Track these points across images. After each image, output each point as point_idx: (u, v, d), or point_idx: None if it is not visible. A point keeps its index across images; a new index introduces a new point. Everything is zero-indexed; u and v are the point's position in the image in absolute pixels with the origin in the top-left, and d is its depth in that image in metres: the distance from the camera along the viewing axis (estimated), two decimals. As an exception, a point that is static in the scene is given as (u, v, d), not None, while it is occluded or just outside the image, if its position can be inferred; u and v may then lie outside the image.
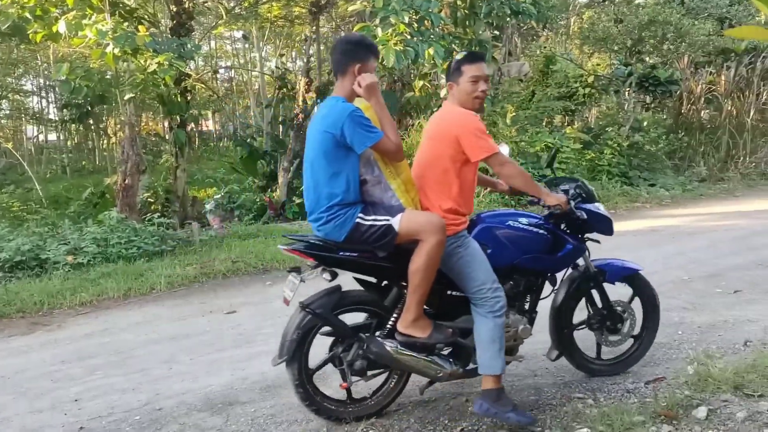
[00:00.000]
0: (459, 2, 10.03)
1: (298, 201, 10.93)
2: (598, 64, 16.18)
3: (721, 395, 3.11)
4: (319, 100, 12.73)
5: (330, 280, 3.13)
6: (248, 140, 14.30)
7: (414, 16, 8.12)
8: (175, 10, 11.46)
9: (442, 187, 3.13)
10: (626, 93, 13.50)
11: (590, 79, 13.58)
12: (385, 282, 3.24)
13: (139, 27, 9.25)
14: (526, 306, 3.37)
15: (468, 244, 3.09)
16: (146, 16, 11.92)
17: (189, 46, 9.98)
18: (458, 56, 3.28)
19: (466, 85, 3.20)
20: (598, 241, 3.49)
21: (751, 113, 14.00)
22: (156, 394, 3.86)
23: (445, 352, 3.21)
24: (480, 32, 10.46)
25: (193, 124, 14.72)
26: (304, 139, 11.60)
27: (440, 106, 9.89)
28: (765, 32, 1.35)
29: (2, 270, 6.69)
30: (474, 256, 3.06)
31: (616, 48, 14.20)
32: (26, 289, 6.25)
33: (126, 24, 10.04)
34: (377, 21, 8.14)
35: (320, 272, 3.12)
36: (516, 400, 3.20)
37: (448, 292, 3.19)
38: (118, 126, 17.66)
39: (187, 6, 11.87)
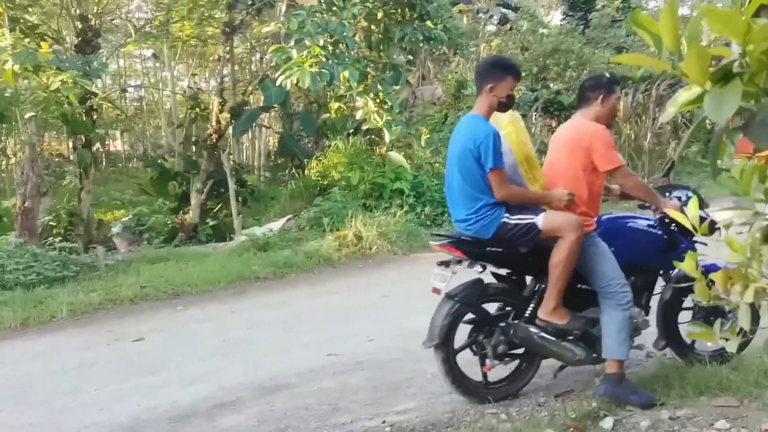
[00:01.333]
0: (373, 27, 10.21)
1: (211, 223, 10.71)
2: (506, 89, 16.79)
3: (626, 406, 3.27)
4: (233, 120, 12.58)
5: (480, 272, 3.52)
6: (159, 161, 13.90)
7: (329, 39, 8.20)
8: (80, 27, 11.06)
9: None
10: (533, 117, 14.11)
11: (499, 104, 14.08)
12: (516, 276, 3.68)
13: (42, 43, 8.87)
14: (643, 301, 3.72)
15: (598, 244, 3.42)
16: (50, 33, 11.44)
17: (95, 64, 9.66)
18: (609, 75, 3.66)
19: (614, 102, 3.62)
20: (705, 243, 3.72)
21: (648, 137, 14.93)
22: (58, 428, 3.67)
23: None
24: (394, 56, 10.68)
25: (99, 145, 14.15)
26: (218, 160, 11.50)
27: (357, 127, 10.04)
28: (649, 60, 1.47)
29: None
30: (603, 254, 3.40)
31: (522, 74, 14.84)
32: None
33: (27, 40, 9.60)
34: (292, 43, 8.17)
35: (469, 266, 3.49)
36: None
37: (578, 286, 3.51)
38: (18, 146, 16.70)
39: (93, 23, 11.48)
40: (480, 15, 19.65)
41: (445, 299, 3.54)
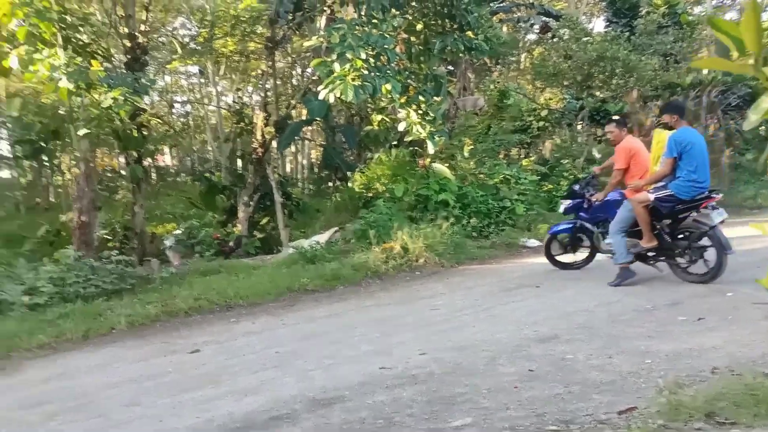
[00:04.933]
0: (413, 39, 10.25)
1: (259, 235, 10.87)
2: (550, 99, 16.66)
3: (694, 423, 3.15)
4: (277, 134, 12.76)
5: None
6: (206, 175, 14.19)
7: (370, 52, 8.27)
8: (129, 44, 11.39)
9: None
10: (579, 126, 13.91)
11: (543, 113, 13.98)
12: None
13: (93, 62, 9.17)
14: None
15: None
16: (100, 51, 11.82)
17: (144, 80, 9.92)
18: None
19: None
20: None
21: (701, 145, 14.52)
22: (119, 441, 3.76)
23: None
24: (435, 67, 10.68)
25: (149, 159, 14.55)
26: (263, 173, 11.69)
27: (400, 138, 10.64)
28: (730, 64, 1.44)
29: (-47, 314, 6.44)
30: None
31: (566, 83, 14.65)
32: (-22, 331, 6.02)
33: (79, 59, 9.93)
34: (334, 56, 8.25)
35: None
36: None
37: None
38: (73, 162, 17.27)
39: (141, 41, 11.81)
40: (520, 24, 19.54)
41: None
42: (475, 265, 7.76)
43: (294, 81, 19.82)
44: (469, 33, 9.99)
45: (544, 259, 7.69)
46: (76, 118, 10.29)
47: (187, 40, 16.16)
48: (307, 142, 22.63)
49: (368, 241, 8.83)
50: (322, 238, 9.51)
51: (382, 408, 3.89)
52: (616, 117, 7.75)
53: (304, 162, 24.33)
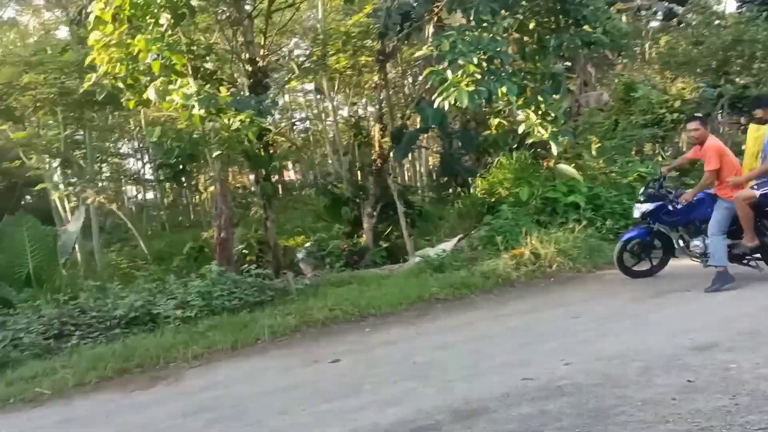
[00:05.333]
0: (526, 38, 9.99)
1: (384, 245, 11.02)
2: (683, 88, 15.65)
3: None
4: (394, 144, 12.90)
5: None
6: (329, 188, 14.62)
7: (482, 56, 8.15)
8: (250, 69, 11.99)
9: None
10: (719, 115, 12.93)
11: (677, 104, 13.13)
12: None
13: (220, 88, 9.75)
14: None
15: None
16: (225, 77, 12.55)
17: (267, 102, 10.40)
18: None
19: None
20: None
21: None
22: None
23: None
24: (551, 65, 10.35)
25: (277, 176, 15.23)
26: (384, 183, 11.85)
27: (520, 141, 10.69)
28: None
29: (119, 326, 7.07)
30: None
31: (699, 70, 13.73)
32: (142, 344, 6.56)
33: (208, 86, 10.60)
34: (446, 64, 8.22)
35: None
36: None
37: None
38: (208, 182, 18.48)
39: (261, 65, 12.41)
40: (641, 12, 18.55)
41: None
42: (614, 269, 7.40)
43: (406, 90, 20.02)
44: (586, 27, 9.59)
45: (692, 261, 7.23)
46: (209, 141, 10.95)
47: (302, 59, 16.79)
48: (424, 150, 22.74)
49: (496, 247, 8.69)
50: (448, 246, 9.49)
51: (529, 420, 3.79)
52: (698, 114, 7.39)
53: (422, 170, 24.46)
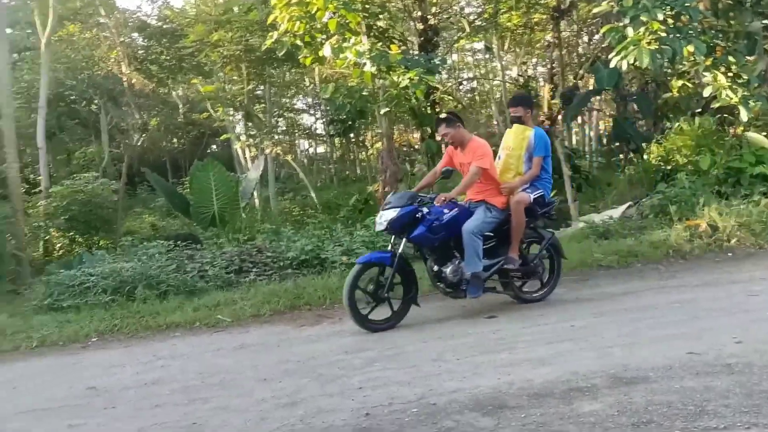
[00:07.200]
0: (721, -8, 9.11)
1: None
2: None
3: None
4: (564, 106, 12.48)
5: None
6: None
7: (669, 12, 7.57)
8: (421, 27, 12.09)
9: None
10: None
11: None
12: None
13: (391, 46, 9.98)
14: None
15: None
16: (396, 36, 12.80)
17: (436, 60, 10.49)
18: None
19: None
20: None
21: None
22: (429, 389, 4.08)
23: None
24: (747, 23, 9.38)
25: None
26: (551, 146, 11.54)
27: (704, 105, 9.84)
28: None
29: (291, 267, 7.72)
30: None
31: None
32: (311, 284, 7.11)
33: (379, 44, 10.91)
34: (626, 21, 7.75)
35: None
36: None
37: None
38: (375, 138, 19.21)
39: (432, 23, 12.46)
40: None
41: None
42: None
43: (580, 50, 19.12)
44: (790, -20, 8.56)
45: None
46: (378, 99, 11.33)
47: (473, 17, 16.61)
48: (594, 112, 21.75)
49: (668, 217, 8.21)
50: (615, 212, 9.11)
51: (692, 395, 3.64)
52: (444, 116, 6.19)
53: (591, 134, 23.43)
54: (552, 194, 6.50)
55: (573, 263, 7.26)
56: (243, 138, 19.36)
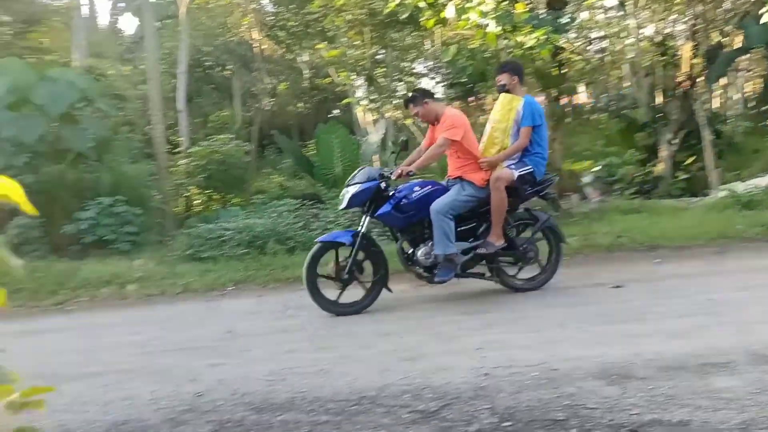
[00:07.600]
0: None
1: (683, 176, 10.15)
2: None
3: None
4: (707, 66, 11.56)
5: None
6: (624, 112, 13.76)
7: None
8: (552, -17, 11.52)
9: None
10: None
11: None
12: None
13: (517, 5, 9.62)
14: None
15: None
16: (525, -9, 12.30)
17: (564, 19, 10.00)
18: None
19: None
20: None
21: None
22: (551, 354, 4.01)
23: None
24: None
25: (568, 96, 14.78)
26: (690, 109, 10.78)
27: None
28: None
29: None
30: None
31: None
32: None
33: (505, 2, 10.54)
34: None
35: None
36: None
37: None
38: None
39: (562, -21, 11.84)
40: None
41: None
42: None
43: (728, 4, 17.47)
44: None
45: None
46: (502, 60, 11.02)
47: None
48: (741, 73, 19.92)
49: (827, 188, 7.46)
50: (762, 181, 8.39)
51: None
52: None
53: (737, 96, 21.54)
54: (553, 172, 6.11)
55: (712, 234, 6.81)
56: (364, 102, 19.63)
